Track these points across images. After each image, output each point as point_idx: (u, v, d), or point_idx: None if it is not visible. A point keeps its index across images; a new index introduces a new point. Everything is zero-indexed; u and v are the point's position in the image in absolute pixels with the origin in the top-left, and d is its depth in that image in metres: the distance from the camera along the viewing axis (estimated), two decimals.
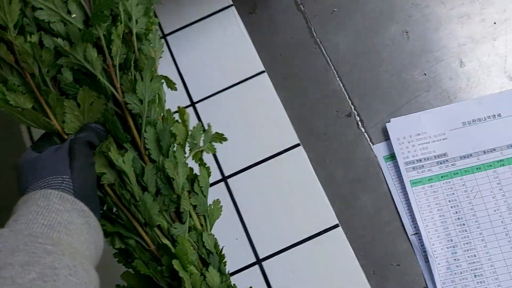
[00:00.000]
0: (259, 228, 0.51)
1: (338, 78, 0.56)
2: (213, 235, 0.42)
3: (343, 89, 0.55)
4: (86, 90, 0.39)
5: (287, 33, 0.59)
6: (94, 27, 0.40)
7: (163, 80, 0.42)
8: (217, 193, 0.52)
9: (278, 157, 0.53)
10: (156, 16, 0.44)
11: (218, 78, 0.56)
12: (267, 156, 0.53)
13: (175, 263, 0.38)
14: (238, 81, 0.56)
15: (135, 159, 0.39)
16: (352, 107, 0.55)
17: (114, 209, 0.40)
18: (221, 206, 0.43)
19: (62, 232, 0.33)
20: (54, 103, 0.39)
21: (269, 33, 0.59)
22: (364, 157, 0.52)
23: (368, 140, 0.53)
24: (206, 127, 0.45)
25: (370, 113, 0.54)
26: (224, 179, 0.53)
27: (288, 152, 0.53)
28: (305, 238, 0.50)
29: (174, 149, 0.40)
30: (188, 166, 0.42)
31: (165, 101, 0.42)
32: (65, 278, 0.31)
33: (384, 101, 0.54)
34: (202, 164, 0.43)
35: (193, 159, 0.42)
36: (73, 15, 0.40)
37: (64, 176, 0.35)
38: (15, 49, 0.39)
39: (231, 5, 0.59)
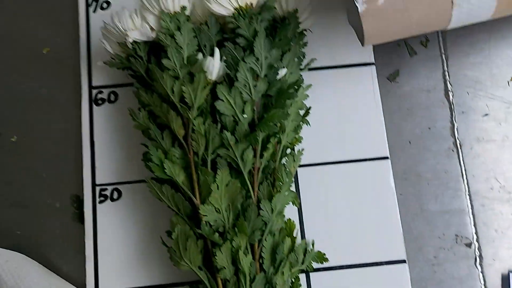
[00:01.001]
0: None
1: (468, 197, 0.47)
2: None
3: (471, 212, 0.47)
4: (225, 172, 0.43)
5: (424, 120, 0.50)
6: (258, 132, 0.44)
7: None
8: None
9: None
10: None
11: (332, 142, 0.51)
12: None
13: None
14: (355, 158, 0.48)
15: (252, 263, 0.42)
16: (475, 237, 0.46)
17: None
18: None
19: None
20: (206, 180, 0.43)
21: (404, 111, 0.50)
22: None
23: (482, 283, 0.45)
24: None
25: (494, 252, 0.49)
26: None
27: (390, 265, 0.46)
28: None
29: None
30: None
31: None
32: None
33: None
34: (297, 279, 0.45)
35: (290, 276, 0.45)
36: (245, 115, 0.45)
37: None
38: (189, 126, 0.44)
39: (372, 63, 0.51)
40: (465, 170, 0.51)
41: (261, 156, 0.44)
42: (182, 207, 0.44)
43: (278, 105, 0.45)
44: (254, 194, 0.44)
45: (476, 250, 0.49)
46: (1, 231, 0.48)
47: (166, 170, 0.43)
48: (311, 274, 0.47)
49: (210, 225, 0.42)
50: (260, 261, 0.43)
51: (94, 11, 0.54)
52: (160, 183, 0.45)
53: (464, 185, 0.50)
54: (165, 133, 0.45)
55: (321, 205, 0.49)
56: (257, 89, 0.45)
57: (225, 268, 0.41)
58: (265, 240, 0.43)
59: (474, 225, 0.49)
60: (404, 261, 0.47)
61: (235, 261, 0.42)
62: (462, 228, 0.49)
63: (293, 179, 0.49)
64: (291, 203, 0.47)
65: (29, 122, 0.52)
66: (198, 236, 0.43)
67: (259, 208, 0.43)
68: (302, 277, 0.47)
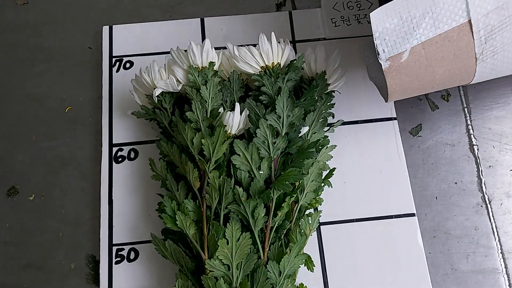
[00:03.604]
0: None
1: (501, 255, 0.45)
2: None
3: (505, 272, 0.44)
4: (236, 226, 0.42)
5: (450, 175, 0.48)
6: (272, 189, 0.43)
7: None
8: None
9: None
10: None
11: (355, 199, 0.50)
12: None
13: None
14: (380, 215, 0.46)
15: None
16: None
17: None
18: None
19: None
20: (215, 235, 0.42)
21: (429, 165, 0.48)
22: None
23: None
24: None
25: None
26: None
27: None
28: None
29: None
30: None
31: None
32: None
33: None
34: None
35: None
36: (261, 172, 0.44)
37: None
38: (205, 179, 0.44)
39: (394, 118, 0.51)
40: (496, 226, 0.48)
41: (275, 215, 0.43)
42: (184, 262, 0.43)
43: (296, 164, 0.44)
44: (264, 254, 0.42)
45: None
46: None
47: (177, 222, 0.42)
48: None
49: (216, 280, 0.41)
50: None
51: (117, 71, 0.55)
52: (166, 237, 0.44)
53: (496, 243, 0.48)
54: (180, 185, 0.44)
55: (347, 264, 0.47)
56: (276, 146, 0.44)
57: None
58: None
59: (509, 285, 0.46)
60: None
61: None
62: None
63: (316, 237, 0.48)
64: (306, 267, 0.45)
65: (47, 181, 0.51)
66: None
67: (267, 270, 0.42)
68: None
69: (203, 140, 0.43)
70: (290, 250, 0.42)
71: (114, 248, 0.47)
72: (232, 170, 0.44)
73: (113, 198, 0.49)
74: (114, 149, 0.52)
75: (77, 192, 0.51)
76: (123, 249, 0.47)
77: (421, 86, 0.43)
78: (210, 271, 0.40)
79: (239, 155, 0.43)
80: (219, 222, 0.42)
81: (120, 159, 0.51)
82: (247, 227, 0.43)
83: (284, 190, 0.42)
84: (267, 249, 0.42)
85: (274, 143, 0.44)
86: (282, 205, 0.43)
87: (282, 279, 0.41)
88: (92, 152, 0.52)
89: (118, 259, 0.47)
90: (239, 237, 0.41)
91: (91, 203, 0.50)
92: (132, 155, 0.51)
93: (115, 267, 0.47)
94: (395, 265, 0.47)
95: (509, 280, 0.47)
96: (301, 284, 0.44)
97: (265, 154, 0.44)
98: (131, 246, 0.47)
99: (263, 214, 0.42)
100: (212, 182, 0.43)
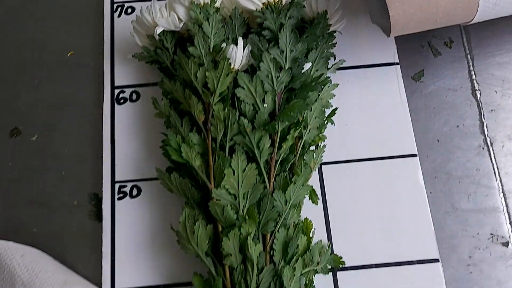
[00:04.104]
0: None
1: (502, 194, 0.45)
2: None
3: (506, 210, 0.44)
4: (241, 157, 0.42)
5: (452, 119, 0.48)
6: (277, 121, 0.43)
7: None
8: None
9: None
10: None
11: (358, 140, 0.50)
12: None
13: None
14: (382, 155, 0.46)
15: (261, 254, 0.41)
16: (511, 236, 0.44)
17: None
18: None
19: None
20: (221, 165, 0.42)
21: (431, 110, 0.49)
22: None
23: None
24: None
25: None
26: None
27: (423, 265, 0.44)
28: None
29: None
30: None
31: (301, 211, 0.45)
32: None
33: None
34: (311, 282, 0.43)
35: (302, 275, 0.43)
36: (265, 105, 0.44)
37: None
38: (209, 112, 0.44)
39: (397, 63, 0.50)
40: (497, 167, 0.49)
41: (280, 147, 0.43)
42: (190, 194, 0.43)
43: (301, 96, 0.44)
44: (270, 185, 0.43)
45: None
46: (18, 228, 0.47)
47: (183, 154, 0.42)
48: (338, 273, 0.45)
49: (222, 210, 0.41)
50: (271, 253, 0.41)
51: (119, 16, 0.55)
52: (170, 172, 0.44)
53: (497, 183, 0.48)
54: (184, 120, 0.45)
55: (348, 204, 0.47)
56: (279, 80, 0.44)
57: (231, 255, 0.40)
58: (278, 232, 0.41)
59: (511, 223, 0.47)
60: (437, 260, 0.45)
61: (243, 249, 0.40)
62: (498, 227, 0.46)
63: (318, 177, 0.48)
64: (310, 201, 0.45)
65: (50, 122, 0.51)
66: (207, 222, 0.42)
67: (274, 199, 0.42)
68: (328, 278, 0.45)
69: (207, 73, 0.43)
70: (295, 181, 0.42)
71: (117, 185, 0.48)
72: (236, 103, 0.44)
73: (115, 138, 0.50)
74: (116, 91, 0.52)
75: (80, 133, 0.51)
76: (125, 185, 0.48)
77: (423, 19, 0.43)
78: (217, 200, 0.41)
79: (243, 88, 0.43)
80: (224, 154, 0.43)
81: (122, 101, 0.51)
82: (253, 159, 0.43)
83: (288, 121, 0.42)
84: (273, 179, 0.43)
85: (278, 77, 0.44)
86: (287, 137, 0.43)
87: (288, 208, 0.42)
88: (94, 94, 0.52)
89: (121, 195, 0.47)
90: (245, 167, 0.41)
91: (93, 143, 0.50)
92: (134, 97, 0.51)
93: (117, 203, 0.47)
94: (396, 204, 0.47)
95: (509, 218, 0.47)
96: (306, 219, 0.44)
97: (268, 88, 0.44)
98: (134, 183, 0.48)
99: (268, 145, 0.42)
100: (217, 114, 0.43)
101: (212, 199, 0.41)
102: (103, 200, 0.47)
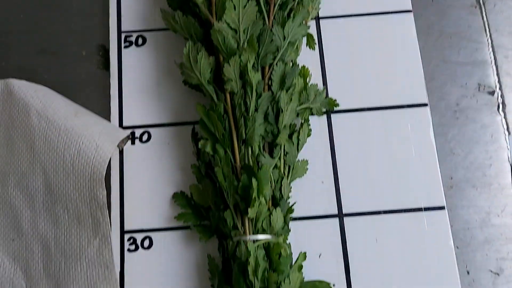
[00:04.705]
0: (351, 179, 0.46)
1: (491, 49, 0.47)
2: (291, 187, 0.44)
3: (494, 63, 0.47)
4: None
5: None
6: None
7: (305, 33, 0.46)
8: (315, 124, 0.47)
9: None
10: None
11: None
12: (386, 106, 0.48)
13: (254, 183, 0.40)
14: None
15: (260, 82, 0.43)
16: (498, 85, 0.46)
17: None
18: (307, 168, 0.45)
19: None
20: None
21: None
22: (492, 143, 0.47)
23: (505, 128, 0.44)
24: None
25: None
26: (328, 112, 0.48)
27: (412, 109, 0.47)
28: (402, 209, 0.45)
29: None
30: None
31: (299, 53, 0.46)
32: None
33: None
34: (306, 121, 0.45)
35: (299, 116, 0.45)
36: None
37: None
38: None
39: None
40: (488, 24, 0.51)
41: None
42: (193, 31, 0.45)
43: None
44: (269, 23, 0.44)
45: (499, 97, 0.48)
46: (30, 76, 0.49)
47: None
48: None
49: (224, 39, 0.43)
50: (269, 83, 0.44)
51: None
52: (174, 8, 0.46)
53: (488, 38, 0.50)
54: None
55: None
56: None
57: (232, 80, 0.42)
58: (276, 65, 0.44)
59: (497, 74, 0.49)
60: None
61: (243, 75, 0.42)
62: (485, 78, 0.49)
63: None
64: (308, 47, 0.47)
65: None
66: (209, 55, 0.43)
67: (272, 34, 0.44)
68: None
69: None
70: (293, 17, 0.44)
71: (123, 35, 0.50)
72: None
73: None
74: None
75: None
76: (131, 35, 0.50)
77: None
78: (218, 31, 0.43)
79: None
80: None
81: None
82: None
83: None
84: (272, 17, 0.44)
85: None
86: None
87: (286, 44, 0.44)
88: None
89: (127, 44, 0.49)
90: (246, 4, 0.43)
91: None
92: None
93: (124, 51, 0.49)
94: (390, 55, 0.49)
95: (497, 70, 0.49)
96: (303, 66, 0.46)
97: None
98: (139, 33, 0.50)
99: None
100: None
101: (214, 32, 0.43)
102: (110, 48, 0.49)
